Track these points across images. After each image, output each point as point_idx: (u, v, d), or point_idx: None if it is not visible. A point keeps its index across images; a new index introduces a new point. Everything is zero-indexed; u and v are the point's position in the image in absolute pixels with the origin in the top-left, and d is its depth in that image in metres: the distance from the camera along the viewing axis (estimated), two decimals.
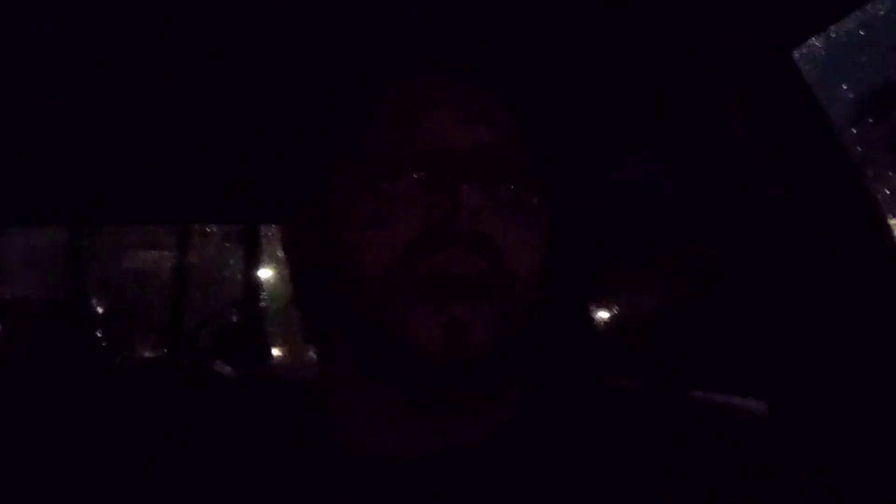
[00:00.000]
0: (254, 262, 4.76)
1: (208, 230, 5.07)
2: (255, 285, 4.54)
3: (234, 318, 4.63)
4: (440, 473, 0.49)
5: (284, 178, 0.60)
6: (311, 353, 0.60)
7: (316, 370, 0.57)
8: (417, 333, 0.46)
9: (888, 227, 0.85)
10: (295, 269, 0.56)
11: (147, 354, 4.48)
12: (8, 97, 1.02)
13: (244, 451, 0.53)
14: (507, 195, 0.49)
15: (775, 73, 0.86)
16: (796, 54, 0.86)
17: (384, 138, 0.50)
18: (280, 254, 0.60)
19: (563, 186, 1.35)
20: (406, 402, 0.50)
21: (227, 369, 2.15)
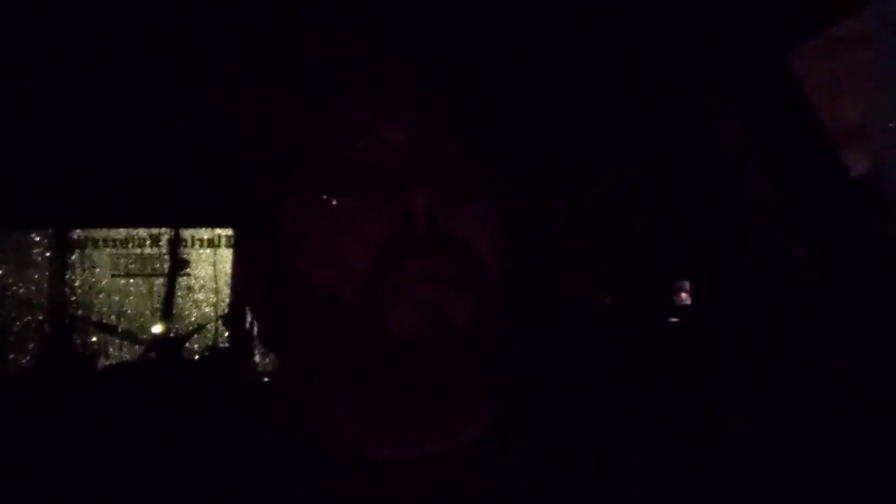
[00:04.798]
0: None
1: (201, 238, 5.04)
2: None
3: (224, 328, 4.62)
4: (424, 480, 0.48)
5: (242, 197, 0.59)
6: None
7: None
8: (395, 329, 0.46)
9: (881, 229, 0.85)
10: (253, 295, 0.56)
11: (134, 362, 4.45)
12: None
13: (225, 456, 0.52)
14: (458, 190, 0.50)
15: (769, 77, 0.87)
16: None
17: (333, 151, 0.50)
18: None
19: (553, 189, 1.35)
20: (389, 408, 0.50)
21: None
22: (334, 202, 0.49)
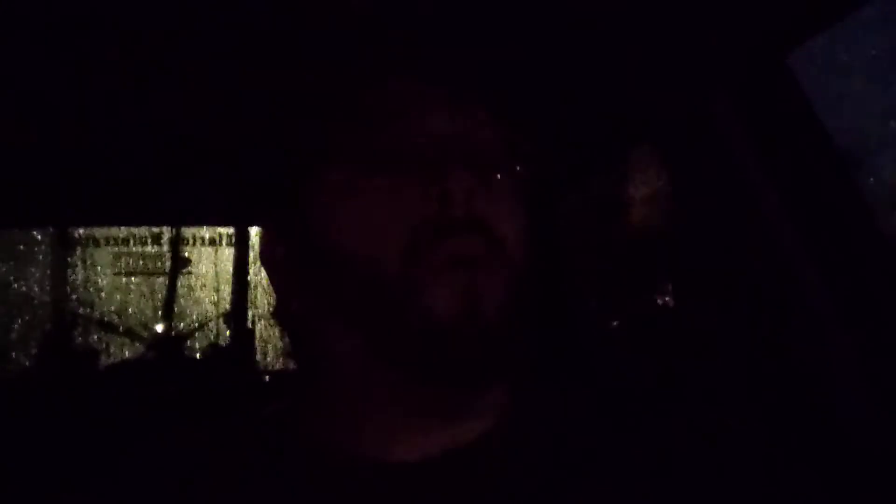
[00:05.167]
0: (243, 268, 4.72)
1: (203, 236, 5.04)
2: (244, 291, 4.51)
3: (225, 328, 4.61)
4: (438, 477, 0.49)
5: (272, 179, 0.61)
6: None
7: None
8: (436, 306, 0.47)
9: (880, 230, 0.85)
10: (280, 274, 0.57)
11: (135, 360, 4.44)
12: None
13: (237, 455, 0.52)
14: (489, 177, 0.51)
15: (769, 77, 0.87)
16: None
17: (372, 134, 0.51)
18: None
19: (555, 188, 1.35)
20: (416, 386, 0.50)
21: None
22: (371, 181, 0.50)
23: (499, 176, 0.53)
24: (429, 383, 0.50)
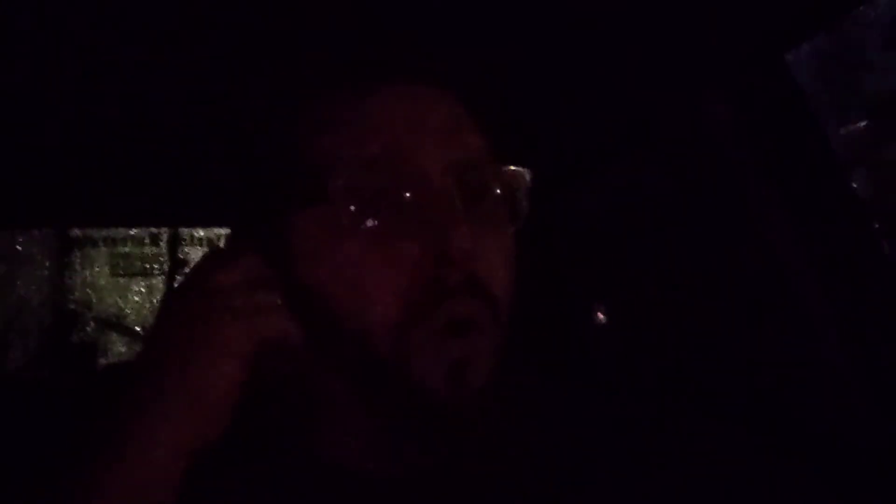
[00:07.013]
0: None
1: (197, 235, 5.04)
2: None
3: None
4: (426, 490, 0.49)
5: (261, 193, 0.55)
6: None
7: None
8: (421, 376, 0.46)
9: (876, 231, 0.85)
10: None
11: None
12: None
13: (234, 457, 0.52)
14: (482, 220, 0.48)
15: (766, 77, 0.87)
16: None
17: (365, 163, 0.47)
18: None
19: (552, 188, 1.35)
20: (399, 433, 0.50)
21: None
22: (363, 222, 0.46)
23: (491, 215, 0.49)
24: (401, 428, 0.50)
